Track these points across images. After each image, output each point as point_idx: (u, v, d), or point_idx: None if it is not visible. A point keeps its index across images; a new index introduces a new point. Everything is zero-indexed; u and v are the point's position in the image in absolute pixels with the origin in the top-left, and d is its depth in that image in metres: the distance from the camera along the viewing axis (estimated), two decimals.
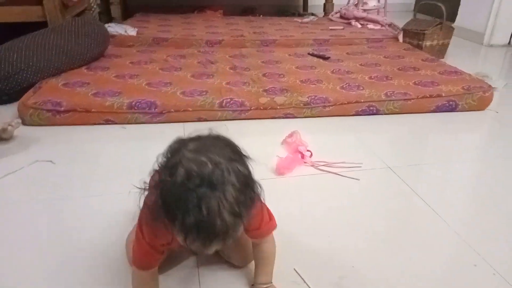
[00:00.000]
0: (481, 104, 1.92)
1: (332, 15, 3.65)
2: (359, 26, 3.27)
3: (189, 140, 0.65)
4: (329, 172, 1.38)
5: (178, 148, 0.63)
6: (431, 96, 1.87)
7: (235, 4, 3.85)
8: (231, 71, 2.13)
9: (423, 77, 2.06)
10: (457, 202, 1.27)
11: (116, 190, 1.23)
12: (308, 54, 2.50)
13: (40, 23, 2.37)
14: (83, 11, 2.86)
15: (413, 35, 2.79)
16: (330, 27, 3.18)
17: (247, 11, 3.81)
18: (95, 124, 1.66)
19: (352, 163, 1.42)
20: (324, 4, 3.88)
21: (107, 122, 1.67)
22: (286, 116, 1.79)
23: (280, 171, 1.35)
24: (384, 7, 3.70)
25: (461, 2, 3.45)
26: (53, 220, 1.11)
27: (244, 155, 0.65)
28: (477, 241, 1.07)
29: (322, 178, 1.35)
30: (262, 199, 0.70)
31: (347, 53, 2.54)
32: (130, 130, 1.65)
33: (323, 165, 1.41)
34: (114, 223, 1.08)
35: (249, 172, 0.64)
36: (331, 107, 1.81)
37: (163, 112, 1.69)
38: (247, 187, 0.62)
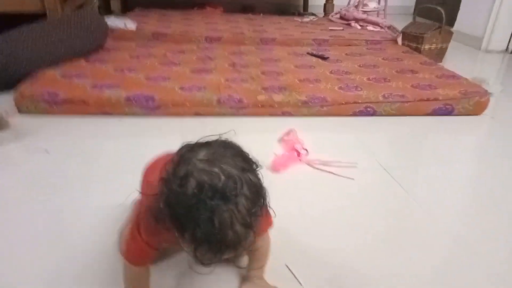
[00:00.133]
0: (477, 108, 1.94)
1: (332, 16, 3.66)
2: (359, 27, 3.28)
3: (198, 147, 0.62)
4: (324, 171, 1.39)
5: (188, 156, 0.60)
6: (428, 99, 1.88)
7: (235, 2, 3.85)
8: (230, 68, 2.13)
9: (421, 80, 2.07)
10: (451, 203, 1.28)
11: (112, 181, 1.23)
12: (307, 53, 2.51)
13: (39, 15, 2.36)
14: (82, 4, 2.85)
15: (412, 38, 2.80)
16: (329, 28, 3.19)
17: (246, 9, 3.81)
18: (92, 115, 1.66)
19: (348, 163, 1.42)
20: (325, 5, 3.89)
21: (104, 114, 1.67)
22: (284, 114, 1.80)
23: (276, 168, 1.36)
24: (384, 10, 3.72)
25: (461, 7, 3.47)
26: (47, 211, 1.11)
27: (254, 163, 0.64)
28: (470, 242, 1.08)
29: (317, 177, 1.36)
30: (267, 202, 0.69)
31: (346, 54, 2.54)
32: (126, 123, 1.65)
33: (318, 164, 1.42)
34: (107, 214, 1.08)
35: (260, 181, 0.62)
36: (328, 107, 1.81)
37: (161, 106, 1.69)
38: (259, 197, 0.61)
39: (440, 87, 1.96)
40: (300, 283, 0.91)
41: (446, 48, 2.82)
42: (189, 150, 0.62)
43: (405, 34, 2.89)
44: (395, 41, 2.92)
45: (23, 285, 0.88)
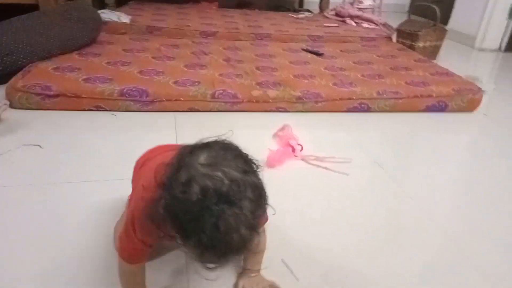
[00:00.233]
0: (470, 105, 1.95)
1: (327, 13, 3.66)
2: (354, 24, 3.29)
3: (198, 150, 0.61)
4: (319, 166, 1.39)
5: (188, 161, 0.59)
6: (422, 96, 1.90)
7: None
8: (225, 63, 2.12)
9: (415, 77, 2.08)
10: (444, 199, 1.29)
11: (104, 176, 1.22)
12: (302, 49, 2.50)
13: (32, 6, 2.33)
14: None
15: (406, 36, 2.81)
16: (324, 24, 3.19)
17: (242, 5, 3.79)
18: (85, 110, 1.64)
19: (342, 159, 1.43)
20: (320, 1, 3.88)
21: (98, 108, 1.65)
22: (278, 110, 1.80)
23: (270, 163, 1.36)
24: (379, 7, 3.72)
25: (455, 5, 3.49)
26: (39, 205, 1.09)
27: (255, 164, 0.63)
28: (462, 237, 1.10)
29: (311, 172, 1.36)
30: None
31: (341, 51, 2.54)
32: (120, 117, 1.63)
33: (313, 159, 1.42)
34: (102, 209, 1.07)
35: (262, 183, 0.62)
36: (323, 103, 1.81)
37: (155, 100, 1.67)
38: (261, 198, 0.60)
39: (433, 84, 1.98)
40: (296, 278, 0.92)
41: (440, 46, 2.83)
42: (189, 154, 0.60)
43: (399, 32, 2.90)
44: (390, 39, 2.92)
45: (17, 279, 0.87)
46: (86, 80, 1.69)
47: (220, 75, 1.92)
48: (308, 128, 1.66)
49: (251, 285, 0.87)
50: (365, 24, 3.25)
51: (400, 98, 1.87)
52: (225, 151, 0.60)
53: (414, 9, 3.25)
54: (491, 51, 3.28)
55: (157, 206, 0.59)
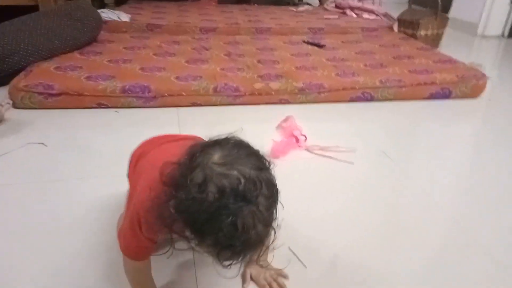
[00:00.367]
0: (474, 92, 1.93)
1: (327, 5, 3.64)
2: (354, 15, 3.27)
3: (210, 148, 0.60)
4: (324, 156, 1.38)
5: (202, 160, 0.58)
6: (425, 84, 1.88)
7: None
8: (226, 57, 2.12)
9: (418, 65, 2.07)
10: (449, 185, 1.28)
11: (108, 173, 1.22)
12: (303, 42, 2.49)
13: (32, 7, 2.33)
14: None
15: (408, 25, 2.79)
16: (325, 16, 3.17)
17: (240, 0, 3.77)
18: (87, 108, 1.64)
19: (347, 148, 1.42)
20: None
21: (100, 106, 1.65)
22: (281, 102, 1.79)
23: (275, 154, 1.35)
24: None
25: None
26: (44, 203, 1.09)
27: (267, 161, 0.63)
28: (468, 222, 1.09)
29: (316, 162, 1.36)
30: None
31: (342, 42, 2.53)
32: (123, 114, 1.63)
33: (317, 149, 1.41)
34: (106, 206, 1.07)
35: (275, 179, 0.62)
36: (326, 93, 1.80)
37: (157, 96, 1.67)
38: (275, 194, 0.60)
39: (437, 72, 1.96)
40: (304, 265, 0.91)
41: (442, 34, 2.81)
42: (201, 153, 0.59)
43: (401, 21, 2.88)
44: (391, 28, 2.90)
45: (13, 269, 0.87)
46: (88, 78, 1.69)
47: (222, 69, 1.91)
48: (311, 119, 1.65)
49: (258, 273, 0.87)
50: (365, 15, 3.24)
51: (404, 86, 1.86)
52: (238, 149, 0.60)
53: None
54: (494, 38, 3.25)
55: (167, 207, 0.59)
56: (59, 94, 1.61)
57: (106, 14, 2.59)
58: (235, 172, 0.56)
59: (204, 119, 1.62)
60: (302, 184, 1.23)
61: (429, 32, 2.72)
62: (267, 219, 0.58)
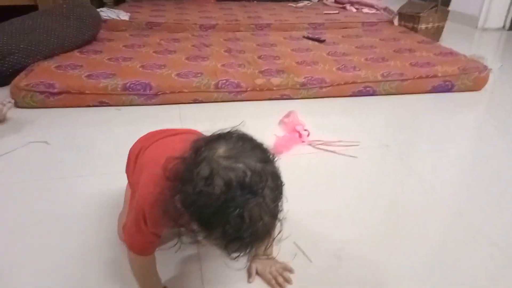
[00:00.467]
0: (477, 84, 1.93)
1: (326, 0, 3.62)
2: (354, 10, 3.25)
3: (214, 142, 0.60)
4: (327, 150, 1.38)
5: (208, 154, 0.58)
6: (427, 77, 1.87)
7: None
8: (226, 53, 2.11)
9: (419, 58, 2.06)
10: (453, 176, 1.28)
11: (110, 170, 1.22)
12: (303, 37, 2.48)
13: (31, 7, 2.33)
14: None
15: (408, 18, 2.78)
16: (324, 12, 3.15)
17: None
18: (89, 106, 1.64)
19: (350, 142, 1.41)
20: None
21: (102, 104, 1.65)
22: (283, 98, 1.78)
23: (278, 149, 1.34)
24: None
25: None
26: (45, 200, 1.09)
27: (271, 153, 0.63)
28: (473, 213, 1.08)
29: (319, 157, 1.35)
30: None
31: (343, 36, 2.52)
32: (124, 112, 1.63)
33: (320, 144, 1.41)
34: (108, 203, 1.07)
35: (279, 171, 0.62)
36: (327, 88, 1.80)
37: (158, 93, 1.67)
38: (280, 186, 0.61)
39: (438, 64, 1.95)
40: (309, 259, 0.91)
41: (443, 27, 2.80)
42: (206, 147, 0.60)
43: (401, 15, 2.86)
44: (392, 22, 2.89)
45: (16, 266, 0.87)
46: (89, 76, 1.69)
47: (223, 65, 1.91)
48: (313, 114, 1.64)
49: (264, 267, 0.87)
50: (365, 10, 3.22)
51: (405, 80, 1.85)
52: (242, 143, 0.61)
53: None
54: (495, 31, 3.24)
55: (172, 202, 0.59)
56: (60, 93, 1.61)
57: (105, 13, 2.58)
58: (241, 165, 0.57)
59: (205, 115, 1.62)
60: (306, 179, 1.23)
61: (430, 26, 2.71)
62: (273, 211, 0.58)
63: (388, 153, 1.38)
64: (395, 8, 3.04)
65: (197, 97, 1.71)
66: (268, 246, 0.69)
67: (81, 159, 1.29)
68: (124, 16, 2.63)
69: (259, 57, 2.05)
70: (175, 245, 0.64)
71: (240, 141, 0.61)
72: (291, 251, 0.92)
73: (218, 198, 0.55)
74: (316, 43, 2.36)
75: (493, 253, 0.95)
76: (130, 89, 1.64)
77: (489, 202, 1.14)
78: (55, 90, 1.60)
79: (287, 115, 1.55)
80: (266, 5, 3.42)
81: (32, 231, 0.98)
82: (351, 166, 1.30)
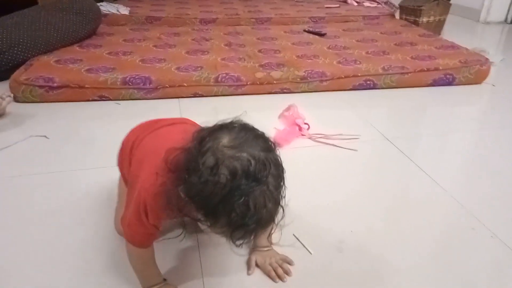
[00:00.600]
0: (478, 77, 1.92)
1: None
2: (355, 4, 3.23)
3: (217, 132, 0.61)
4: (327, 143, 1.38)
5: (212, 145, 0.59)
6: (428, 70, 1.86)
7: None
8: (226, 47, 2.10)
9: (420, 52, 2.05)
10: (454, 169, 1.28)
11: (110, 164, 1.20)
12: (304, 31, 2.47)
13: (30, 0, 2.32)
14: None
15: (409, 12, 2.76)
16: (325, 5, 3.14)
17: None
18: (89, 100, 1.64)
19: (350, 135, 1.41)
20: None
21: (101, 98, 1.64)
22: (283, 91, 1.78)
23: (278, 143, 1.34)
24: None
25: None
26: (46, 194, 1.09)
27: (272, 142, 0.65)
28: (474, 206, 1.08)
29: (320, 150, 1.35)
30: None
31: (343, 30, 2.51)
32: (124, 106, 1.63)
33: (321, 137, 1.40)
34: (108, 197, 1.06)
35: (280, 159, 0.64)
36: (328, 81, 1.79)
37: (158, 87, 1.66)
38: (281, 173, 0.63)
39: (439, 57, 1.94)
40: (309, 251, 0.91)
41: (444, 20, 2.78)
42: (210, 137, 0.61)
43: (402, 8, 2.85)
44: (393, 16, 2.88)
45: (17, 259, 0.87)
46: (88, 70, 1.69)
47: (223, 59, 1.90)
48: (314, 108, 1.64)
49: (263, 259, 0.87)
50: (366, 3, 3.20)
51: (406, 73, 1.84)
52: (245, 132, 0.62)
53: None
54: (497, 24, 3.22)
55: (175, 192, 0.60)
56: (60, 87, 1.60)
57: (105, 7, 2.58)
58: (245, 154, 0.58)
59: (205, 109, 1.61)
60: (307, 172, 1.23)
61: (431, 19, 2.69)
62: (276, 198, 0.60)
63: (388, 146, 1.38)
64: (396, 1, 3.02)
65: (197, 91, 1.70)
66: (272, 233, 0.70)
67: (81, 153, 1.29)
68: (124, 10, 2.63)
69: (260, 51, 2.04)
70: (179, 235, 0.65)
71: (242, 131, 0.62)
72: (291, 243, 0.92)
73: (224, 187, 0.56)
74: (317, 37, 2.35)
75: (495, 246, 0.95)
76: (130, 83, 1.64)
77: (490, 195, 1.14)
78: (55, 84, 1.59)
79: (287, 109, 1.55)
80: None
81: (32, 224, 0.98)
82: (352, 159, 1.30)
